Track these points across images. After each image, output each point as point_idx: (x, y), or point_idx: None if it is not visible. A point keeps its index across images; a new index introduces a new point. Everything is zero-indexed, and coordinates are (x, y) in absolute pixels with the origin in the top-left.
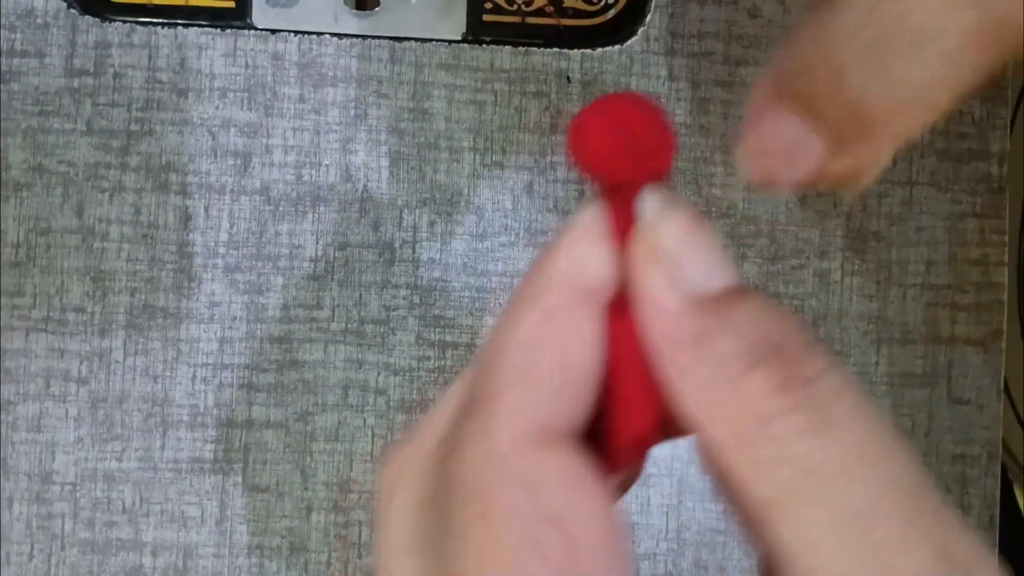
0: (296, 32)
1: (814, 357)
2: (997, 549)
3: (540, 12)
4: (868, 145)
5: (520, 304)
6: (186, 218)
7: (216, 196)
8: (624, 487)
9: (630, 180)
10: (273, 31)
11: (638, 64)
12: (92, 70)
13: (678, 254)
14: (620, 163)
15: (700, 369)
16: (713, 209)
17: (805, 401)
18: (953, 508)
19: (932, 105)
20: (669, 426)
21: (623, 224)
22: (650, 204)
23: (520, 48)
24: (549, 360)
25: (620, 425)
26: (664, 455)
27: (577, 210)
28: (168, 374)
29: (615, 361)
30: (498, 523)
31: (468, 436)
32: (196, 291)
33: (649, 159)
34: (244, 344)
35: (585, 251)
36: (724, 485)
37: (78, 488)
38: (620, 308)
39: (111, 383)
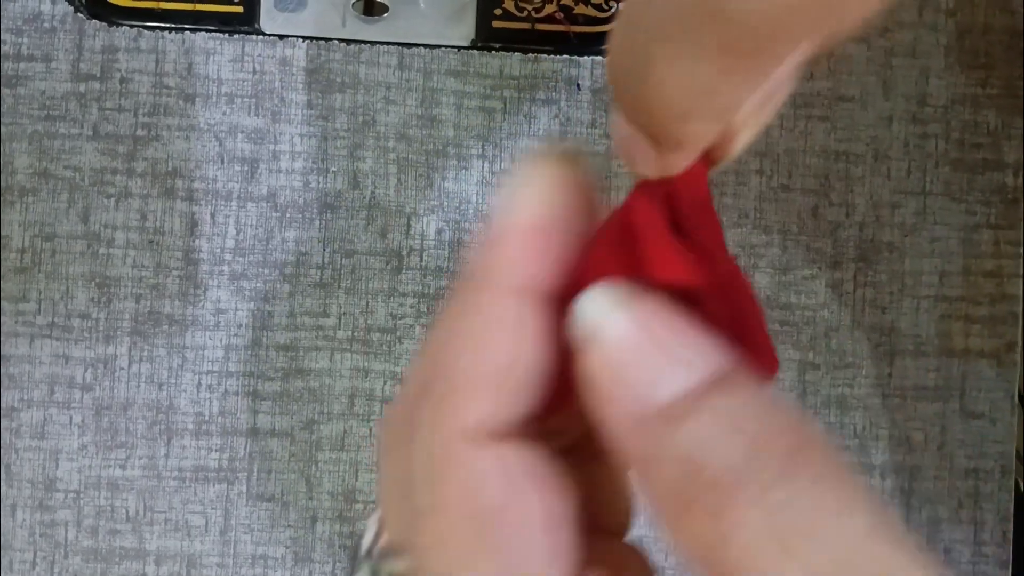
0: (304, 37)
1: (751, 483)
2: (1011, 565)
3: (550, 19)
4: (679, 150)
5: (464, 298)
6: (192, 224)
7: (223, 202)
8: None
9: None
10: (281, 36)
11: None
12: (99, 75)
13: (625, 365)
14: None
15: (649, 490)
16: (724, 218)
17: (740, 529)
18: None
19: (731, 99)
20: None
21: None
22: (591, 307)
23: (530, 55)
24: (490, 364)
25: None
26: None
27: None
28: (173, 381)
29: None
30: (446, 515)
31: (424, 427)
32: (202, 298)
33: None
34: (250, 352)
35: (518, 253)
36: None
37: (82, 496)
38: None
39: (116, 390)
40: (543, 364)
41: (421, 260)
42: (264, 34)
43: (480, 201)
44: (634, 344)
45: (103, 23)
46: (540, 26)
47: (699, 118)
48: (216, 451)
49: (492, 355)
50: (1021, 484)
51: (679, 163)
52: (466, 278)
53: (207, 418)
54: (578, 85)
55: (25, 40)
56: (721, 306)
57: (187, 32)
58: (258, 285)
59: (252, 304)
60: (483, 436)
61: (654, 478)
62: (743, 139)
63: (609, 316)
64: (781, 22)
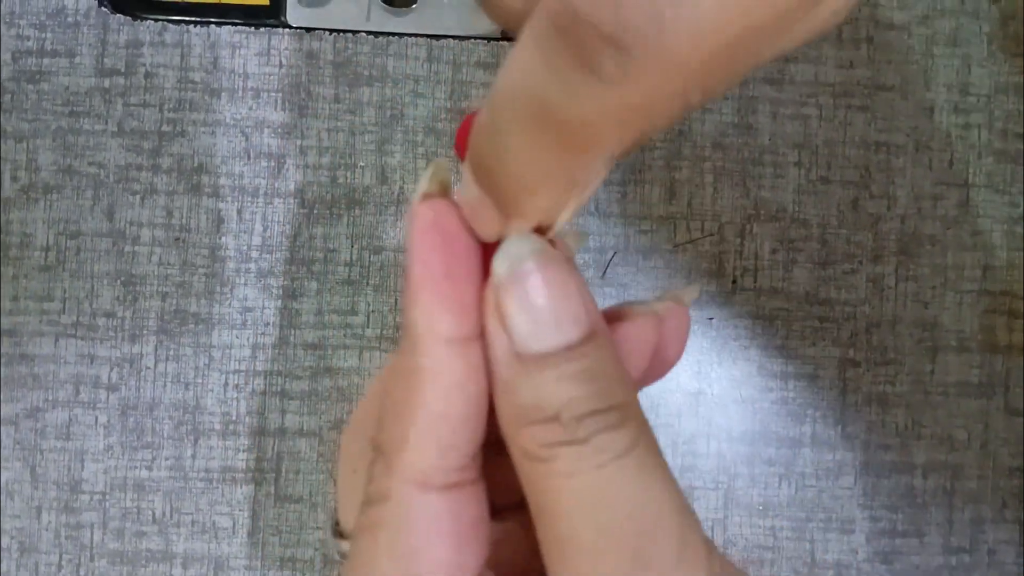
0: (331, 30)
1: (590, 422)
2: None
3: None
4: (521, 217)
5: (401, 352)
6: (219, 221)
7: (249, 199)
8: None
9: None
10: (307, 29)
11: None
12: (123, 70)
13: (514, 313)
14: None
15: (502, 409)
16: (762, 212)
17: (564, 455)
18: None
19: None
20: None
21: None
22: (501, 259)
23: None
24: (424, 416)
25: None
26: (710, 467)
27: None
28: (200, 381)
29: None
30: (372, 553)
31: (372, 476)
32: (228, 296)
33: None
34: (277, 350)
35: (434, 309)
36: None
37: (108, 497)
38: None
39: (142, 390)
40: (478, 403)
41: None
42: (290, 27)
43: None
44: (541, 294)
45: (127, 17)
46: None
47: (542, 193)
48: (244, 452)
49: (428, 408)
50: None
51: (520, 228)
52: (403, 331)
53: (234, 418)
54: None
55: (49, 35)
56: None
57: (212, 26)
58: (285, 283)
59: (279, 302)
60: (423, 485)
61: (506, 401)
62: (567, 214)
63: (522, 264)
64: (604, 126)
